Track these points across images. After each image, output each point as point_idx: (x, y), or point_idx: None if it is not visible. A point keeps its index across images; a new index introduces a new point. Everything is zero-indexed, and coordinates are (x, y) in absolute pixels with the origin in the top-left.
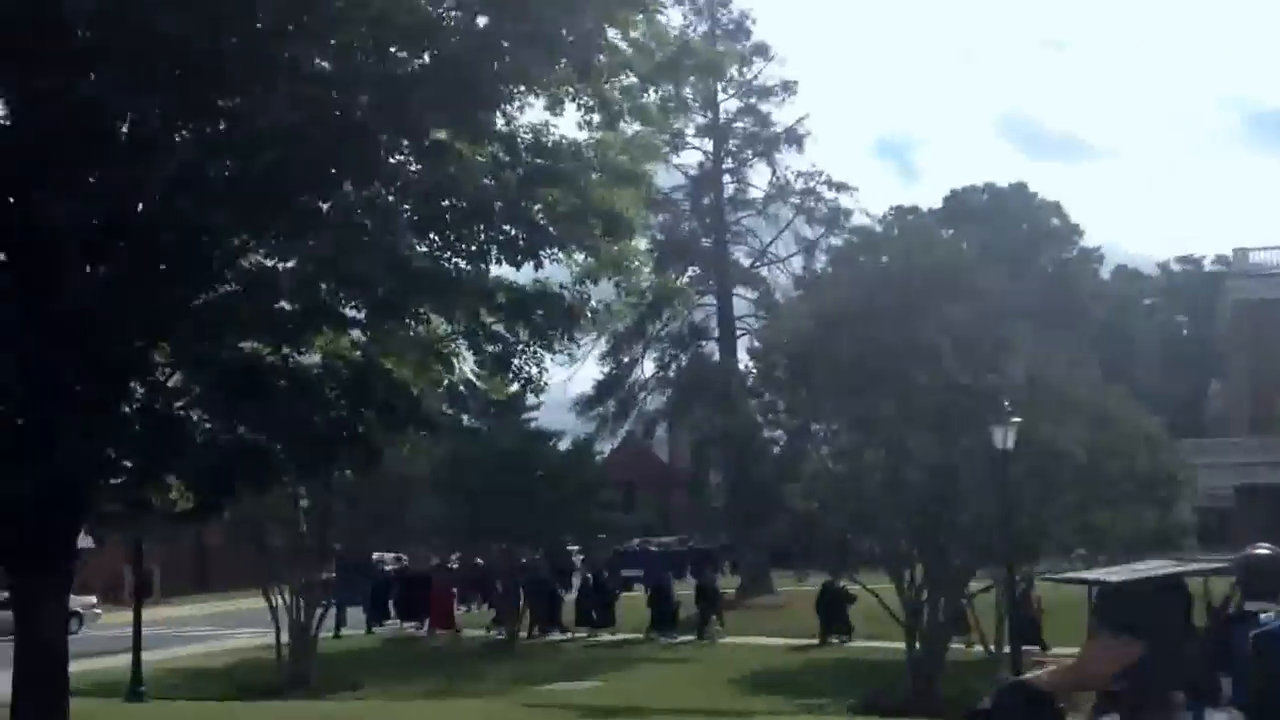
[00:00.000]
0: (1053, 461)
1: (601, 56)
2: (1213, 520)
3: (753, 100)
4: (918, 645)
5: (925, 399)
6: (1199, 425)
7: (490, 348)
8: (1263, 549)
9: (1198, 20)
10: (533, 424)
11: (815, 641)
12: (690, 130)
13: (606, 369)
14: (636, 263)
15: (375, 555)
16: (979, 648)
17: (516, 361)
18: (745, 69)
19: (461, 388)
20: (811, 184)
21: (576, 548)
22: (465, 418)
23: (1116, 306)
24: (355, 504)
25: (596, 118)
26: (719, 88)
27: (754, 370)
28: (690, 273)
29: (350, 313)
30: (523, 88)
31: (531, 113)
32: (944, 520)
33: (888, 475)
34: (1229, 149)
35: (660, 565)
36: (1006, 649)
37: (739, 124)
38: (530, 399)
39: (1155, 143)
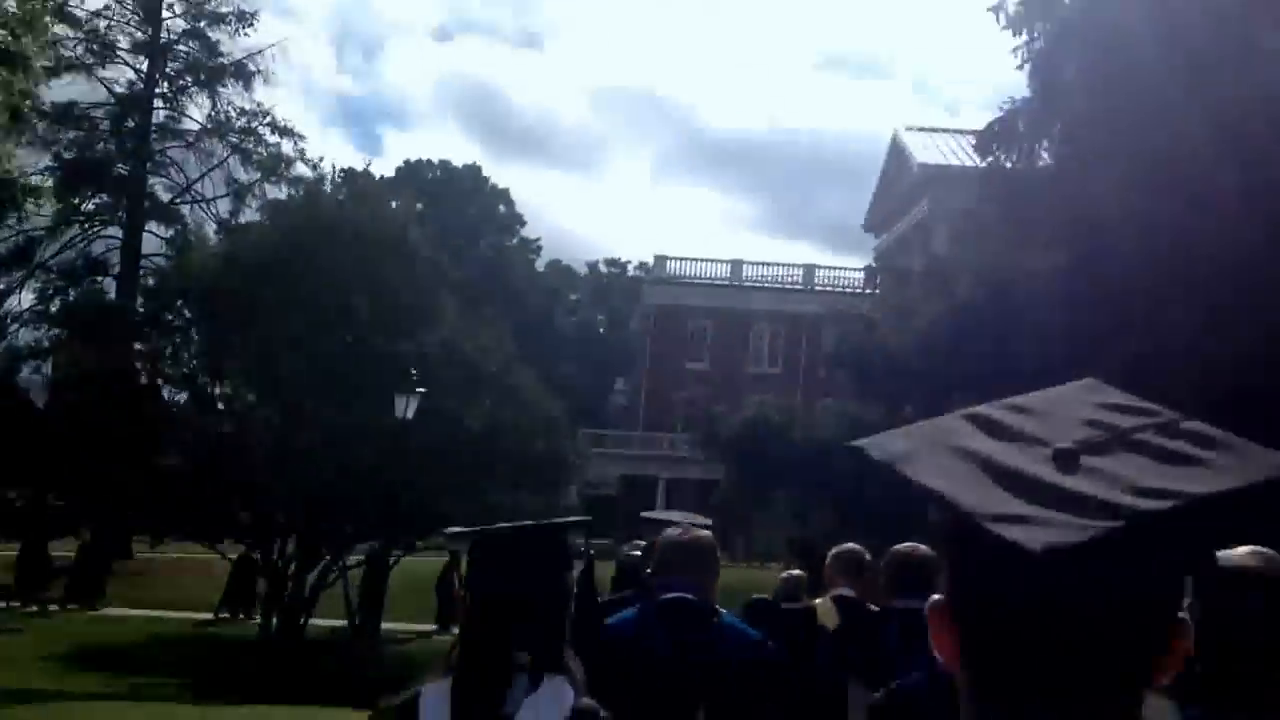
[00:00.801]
0: (453, 436)
1: None
2: (606, 507)
3: (202, 25)
4: (275, 620)
5: (333, 361)
6: (603, 418)
7: None
8: (909, 546)
9: (662, 46)
10: None
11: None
12: (124, 44)
13: None
14: None
15: None
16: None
17: None
18: None
19: None
20: (254, 124)
21: None
22: None
23: (546, 298)
24: None
25: None
26: (164, 3)
27: (143, 311)
28: (98, 199)
29: None
30: None
31: None
32: (336, 489)
33: (280, 438)
34: (669, 167)
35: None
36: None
37: (183, 47)
38: None
39: (608, 150)
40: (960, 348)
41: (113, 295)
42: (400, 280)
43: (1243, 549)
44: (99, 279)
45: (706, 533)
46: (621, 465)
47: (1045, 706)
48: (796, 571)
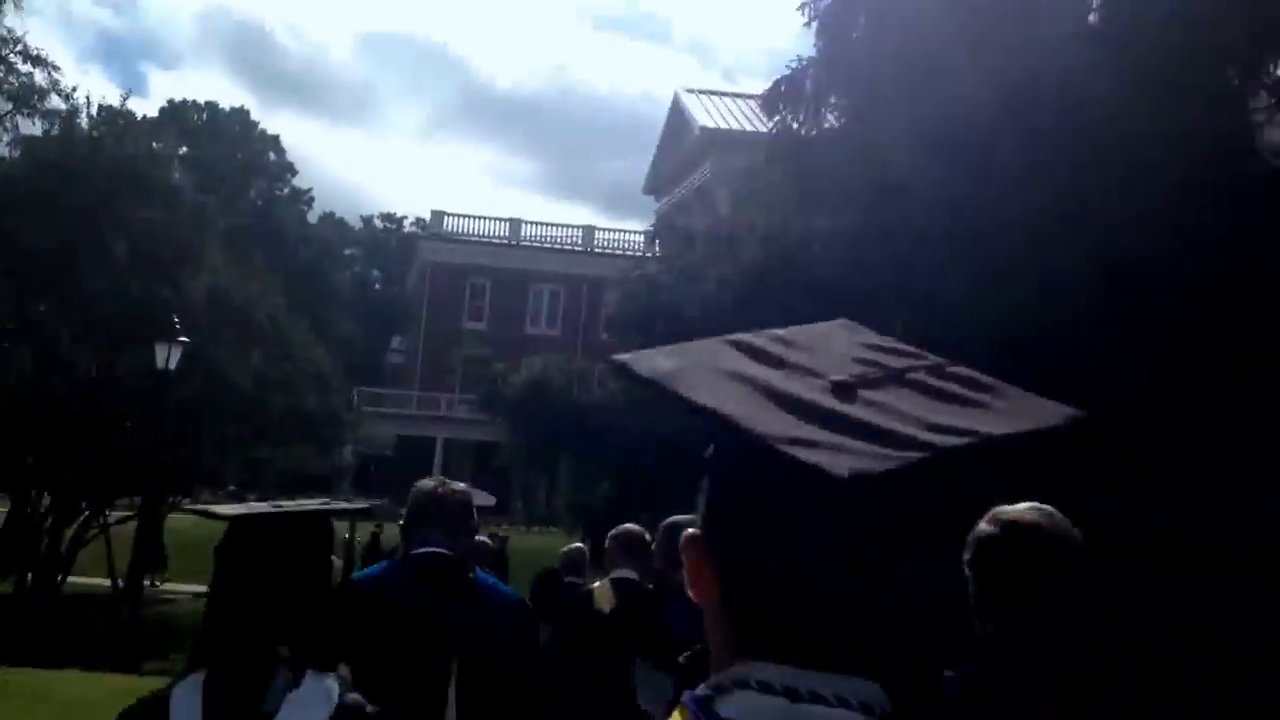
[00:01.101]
0: (220, 389)
1: None
2: (379, 465)
3: None
4: (30, 578)
5: (90, 305)
6: (379, 377)
7: None
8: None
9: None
10: None
11: None
12: None
13: None
14: None
15: None
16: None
17: None
18: None
19: None
20: (3, 51)
21: None
22: None
23: (319, 252)
24: None
25: None
26: None
27: None
28: None
29: None
30: None
31: None
32: (92, 439)
33: (34, 384)
34: (446, 121)
35: None
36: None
37: None
38: None
39: (381, 100)
40: (747, 311)
41: None
42: (161, 223)
43: (1023, 505)
44: None
45: (462, 486)
46: (398, 425)
47: (798, 647)
48: (578, 544)
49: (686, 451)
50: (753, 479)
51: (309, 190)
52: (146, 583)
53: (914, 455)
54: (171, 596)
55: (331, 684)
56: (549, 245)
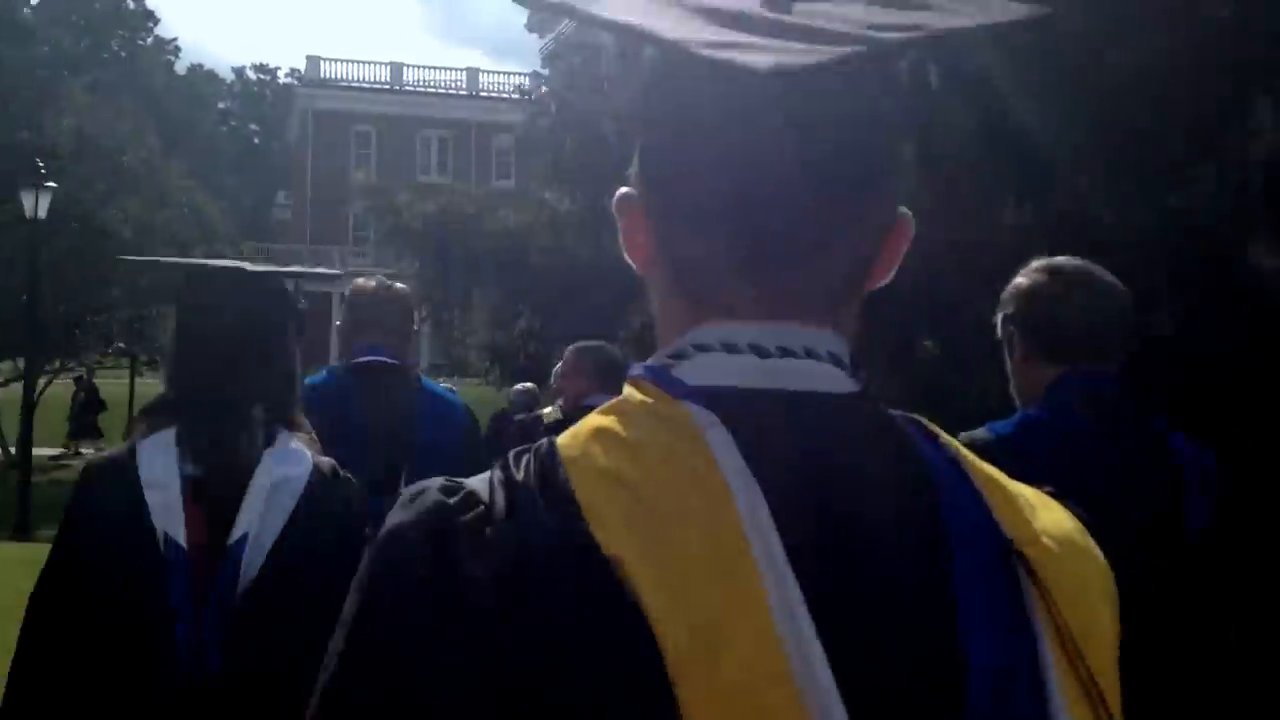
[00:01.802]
0: (97, 239)
1: None
2: None
3: None
4: None
5: None
6: (266, 234)
7: None
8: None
9: None
10: None
11: None
12: None
13: None
14: None
15: None
16: None
17: None
18: None
19: None
20: None
21: None
22: None
23: (190, 106)
24: None
25: None
26: None
27: None
28: None
29: None
30: None
31: None
32: None
33: None
34: None
35: None
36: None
37: None
38: None
39: None
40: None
41: None
42: (16, 62)
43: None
44: None
45: (402, 287)
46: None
47: (755, 299)
48: (529, 384)
49: (609, 275)
50: (679, 100)
51: (173, 40)
52: (86, 450)
53: (847, 49)
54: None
55: (302, 445)
56: (433, 90)
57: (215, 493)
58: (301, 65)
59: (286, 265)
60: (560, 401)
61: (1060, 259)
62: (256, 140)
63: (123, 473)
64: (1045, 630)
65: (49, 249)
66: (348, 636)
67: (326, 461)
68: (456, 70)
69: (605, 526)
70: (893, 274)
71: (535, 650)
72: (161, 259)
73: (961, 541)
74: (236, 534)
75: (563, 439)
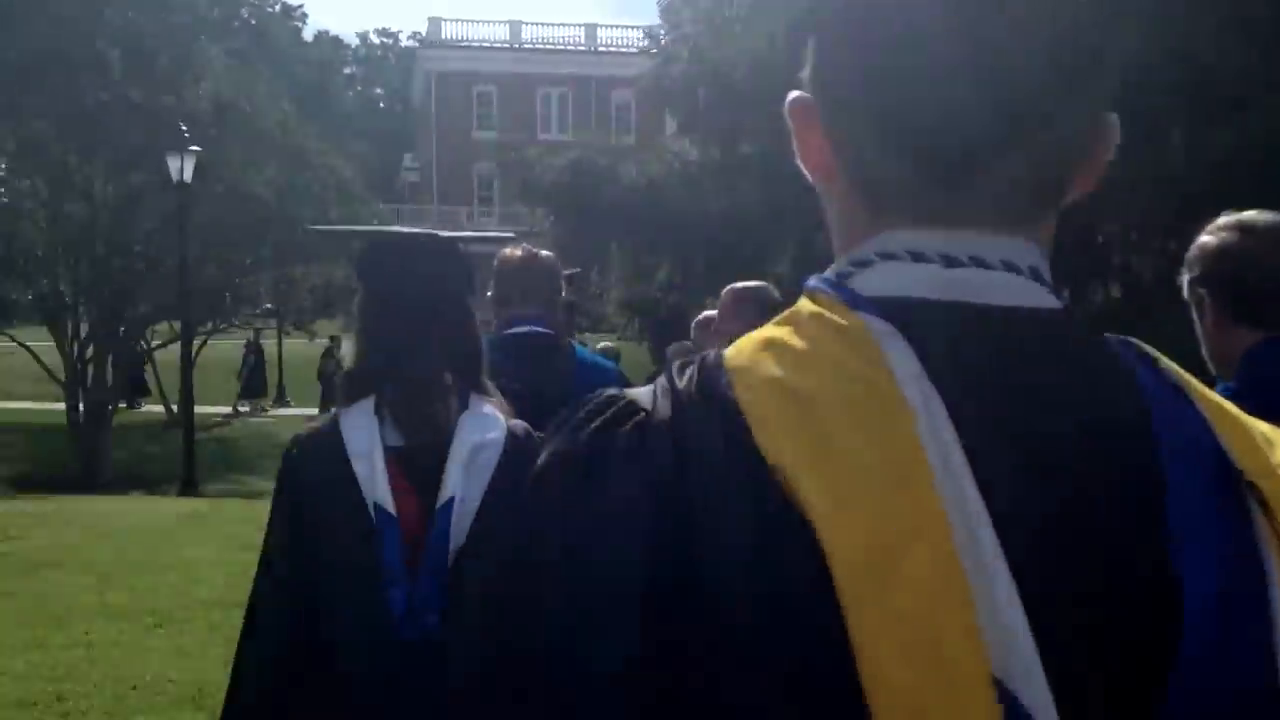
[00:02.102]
0: (240, 202)
1: None
2: None
3: None
4: (81, 408)
5: (93, 120)
6: (395, 196)
7: None
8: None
9: None
10: None
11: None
12: None
13: None
14: None
15: None
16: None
17: None
18: None
19: None
20: None
21: None
22: None
23: (318, 71)
24: None
25: None
26: None
27: None
28: None
29: None
30: None
31: None
32: (115, 265)
33: (52, 211)
34: None
35: None
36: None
37: None
38: None
39: None
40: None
41: None
42: (154, 29)
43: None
44: None
45: (548, 253)
46: None
47: (945, 206)
48: (685, 343)
49: (747, 224)
50: None
51: (300, 6)
52: (244, 408)
53: None
54: (218, 420)
55: (495, 409)
56: (551, 47)
57: (416, 460)
58: (422, 28)
59: (416, 227)
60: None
61: (1251, 213)
62: (382, 104)
63: (329, 445)
64: (1277, 566)
65: (196, 212)
66: (513, 545)
67: (519, 424)
68: (575, 26)
69: (771, 435)
70: (1093, 184)
71: (694, 563)
72: (355, 228)
73: (1180, 467)
74: (443, 499)
75: (730, 350)
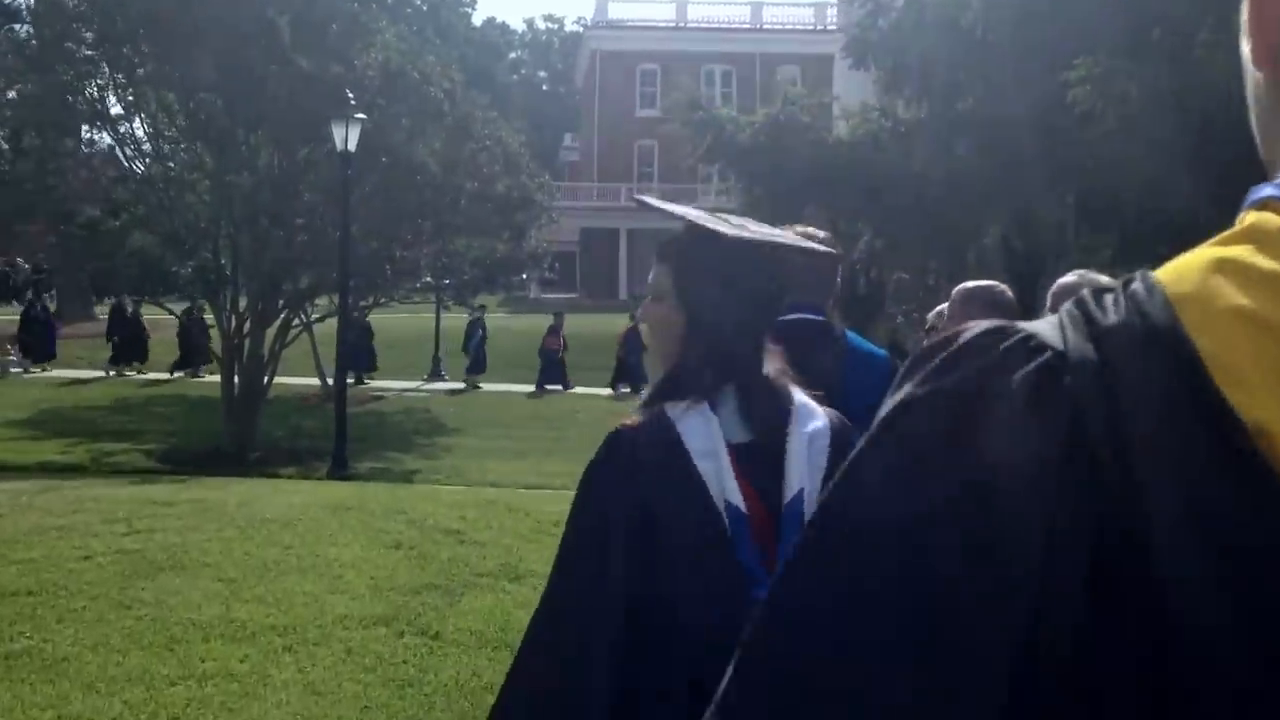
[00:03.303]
0: (405, 172)
1: None
2: (564, 262)
3: None
4: (236, 380)
5: (261, 89)
6: (557, 176)
7: None
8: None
9: None
10: None
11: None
12: None
13: None
14: None
15: None
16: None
17: None
18: None
19: None
20: None
21: None
22: None
23: (485, 55)
24: None
25: None
26: None
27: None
28: None
29: None
30: None
31: None
32: (274, 237)
33: (216, 181)
34: None
35: None
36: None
37: None
38: None
39: None
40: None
41: None
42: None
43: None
44: None
45: (825, 234)
46: (581, 219)
47: None
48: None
49: (961, 187)
50: None
51: None
52: (351, 380)
53: None
54: (380, 394)
55: (813, 402)
56: (716, 25)
57: (752, 456)
58: (587, 13)
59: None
60: None
61: None
62: (545, 87)
63: (665, 442)
64: None
65: (358, 184)
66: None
67: (834, 413)
68: (740, 4)
69: (1242, 384)
70: None
71: (1133, 549)
72: (679, 208)
73: None
74: (791, 492)
75: (1164, 274)
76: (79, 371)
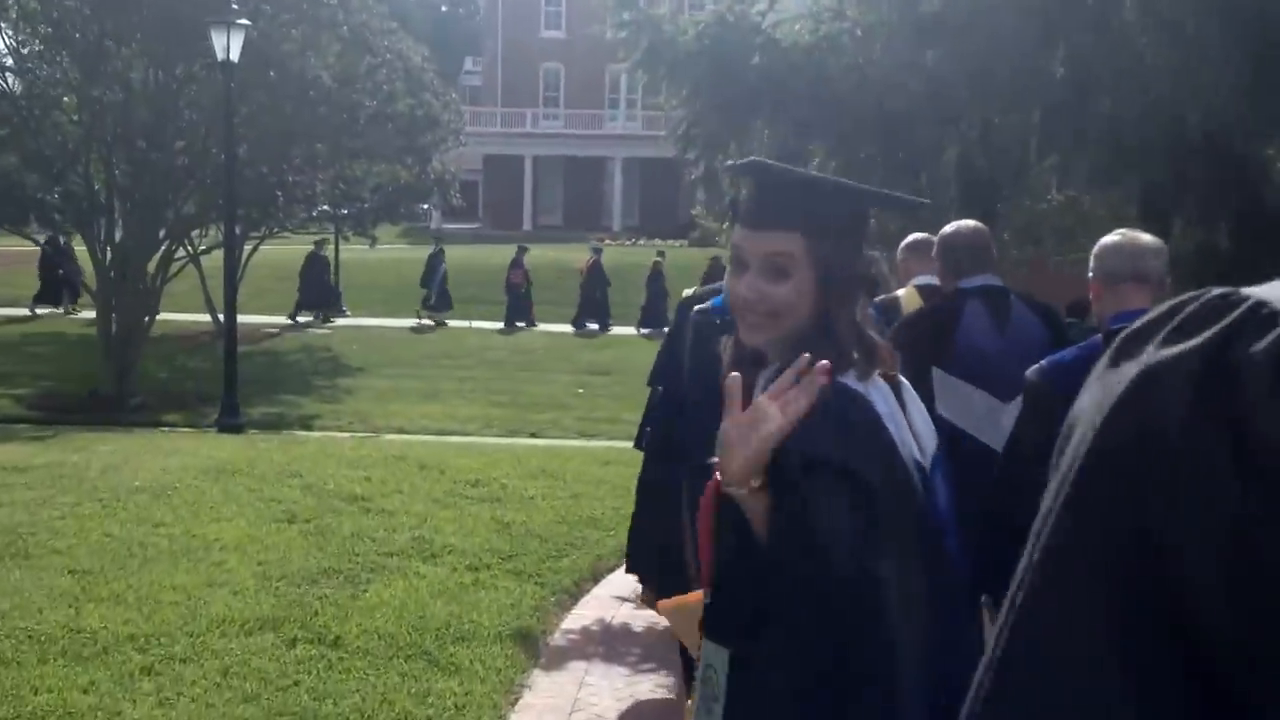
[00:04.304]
0: (297, 86)
1: None
2: (467, 191)
3: None
4: (114, 318)
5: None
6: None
7: None
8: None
9: None
10: None
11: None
12: None
13: None
14: None
15: None
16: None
17: None
18: None
19: None
20: None
21: None
22: None
23: None
24: None
25: None
26: None
27: None
28: None
29: None
30: None
31: None
32: (152, 160)
33: (84, 98)
34: None
35: None
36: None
37: None
38: None
39: None
40: None
41: None
42: None
43: None
44: None
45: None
46: (483, 145)
47: None
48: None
49: (930, 99)
50: None
51: None
52: (310, 317)
53: None
54: (268, 330)
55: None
56: None
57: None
58: None
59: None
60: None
61: None
62: (444, 8)
63: (860, 404)
64: None
65: (244, 101)
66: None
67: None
68: None
69: None
70: None
71: None
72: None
73: None
74: (929, 452)
75: None
76: None
